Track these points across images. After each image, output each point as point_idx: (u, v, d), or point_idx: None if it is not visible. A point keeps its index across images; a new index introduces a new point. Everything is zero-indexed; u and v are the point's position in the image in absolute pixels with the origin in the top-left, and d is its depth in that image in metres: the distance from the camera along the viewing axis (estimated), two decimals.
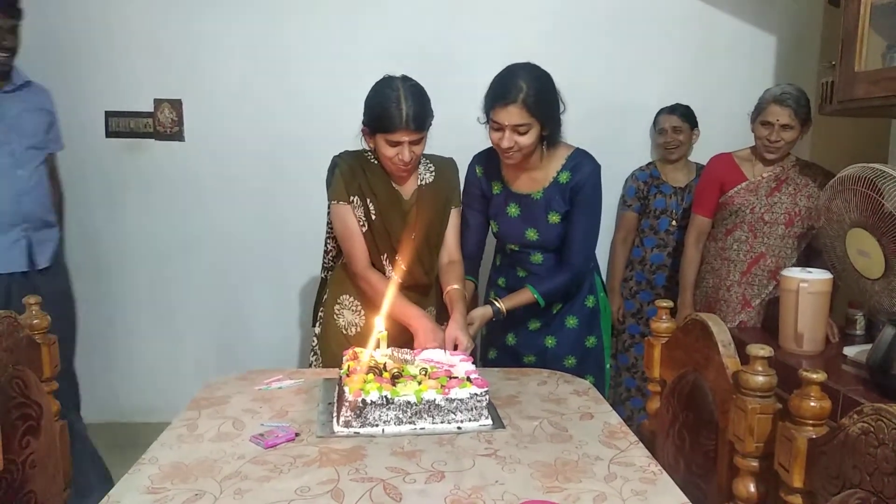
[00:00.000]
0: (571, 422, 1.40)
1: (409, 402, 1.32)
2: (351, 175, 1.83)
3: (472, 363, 1.53)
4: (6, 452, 1.11)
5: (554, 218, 1.91)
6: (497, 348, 2.10)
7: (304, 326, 3.02)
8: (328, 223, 1.98)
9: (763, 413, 1.09)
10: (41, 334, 1.37)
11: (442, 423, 1.33)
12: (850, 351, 1.87)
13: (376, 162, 1.86)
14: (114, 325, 3.00)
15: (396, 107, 1.69)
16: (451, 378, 1.39)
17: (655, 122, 2.86)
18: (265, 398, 1.51)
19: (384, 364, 1.45)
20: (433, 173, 1.91)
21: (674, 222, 2.71)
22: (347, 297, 1.94)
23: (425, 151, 1.85)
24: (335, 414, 1.38)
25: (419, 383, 1.36)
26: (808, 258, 2.24)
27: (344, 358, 1.51)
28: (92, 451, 2.32)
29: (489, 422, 1.35)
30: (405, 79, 1.77)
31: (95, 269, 2.93)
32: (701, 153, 2.76)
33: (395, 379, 1.38)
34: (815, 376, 0.97)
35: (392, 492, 1.09)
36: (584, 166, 1.88)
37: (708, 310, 2.35)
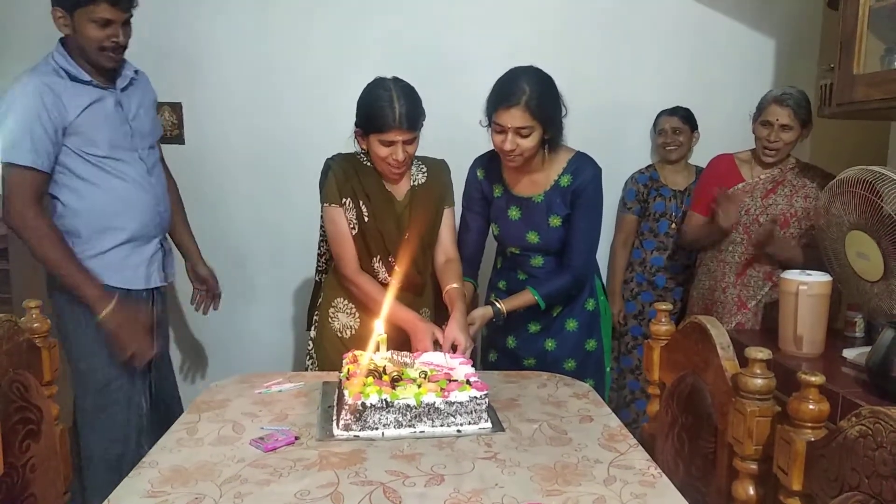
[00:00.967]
0: (571, 425, 1.40)
1: (408, 406, 1.32)
2: (344, 177, 1.85)
3: (472, 366, 1.53)
4: (6, 456, 1.12)
5: (555, 221, 1.91)
6: (497, 350, 2.10)
7: (298, 330, 3.02)
8: (321, 226, 1.99)
9: (762, 416, 1.10)
10: (41, 338, 1.37)
11: (442, 426, 1.33)
12: (849, 353, 1.87)
13: (369, 164, 1.87)
14: None
15: (389, 106, 1.71)
16: (450, 381, 1.39)
17: (655, 124, 2.86)
18: (265, 401, 1.52)
19: (384, 367, 1.45)
20: (426, 174, 1.93)
21: (673, 225, 2.71)
22: (342, 300, 1.95)
23: (417, 153, 1.87)
24: (335, 417, 1.38)
25: (419, 386, 1.36)
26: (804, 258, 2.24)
27: (344, 361, 1.51)
28: None
29: (489, 425, 1.36)
30: (396, 80, 1.79)
31: None
32: (700, 156, 2.76)
33: (394, 382, 1.38)
34: (813, 379, 0.98)
35: (392, 495, 1.09)
36: (585, 170, 1.88)
37: (705, 311, 2.35)
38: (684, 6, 2.93)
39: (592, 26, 2.91)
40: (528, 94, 1.72)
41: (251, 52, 2.84)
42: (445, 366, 1.52)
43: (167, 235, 2.13)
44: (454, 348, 1.70)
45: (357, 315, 1.93)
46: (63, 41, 1.85)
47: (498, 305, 1.90)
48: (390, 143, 1.75)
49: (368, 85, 1.80)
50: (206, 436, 1.33)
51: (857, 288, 1.89)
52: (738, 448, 1.13)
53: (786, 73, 2.91)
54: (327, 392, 1.56)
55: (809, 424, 0.97)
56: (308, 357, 2.03)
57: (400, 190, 1.90)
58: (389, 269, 1.90)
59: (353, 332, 1.93)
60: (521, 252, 2.00)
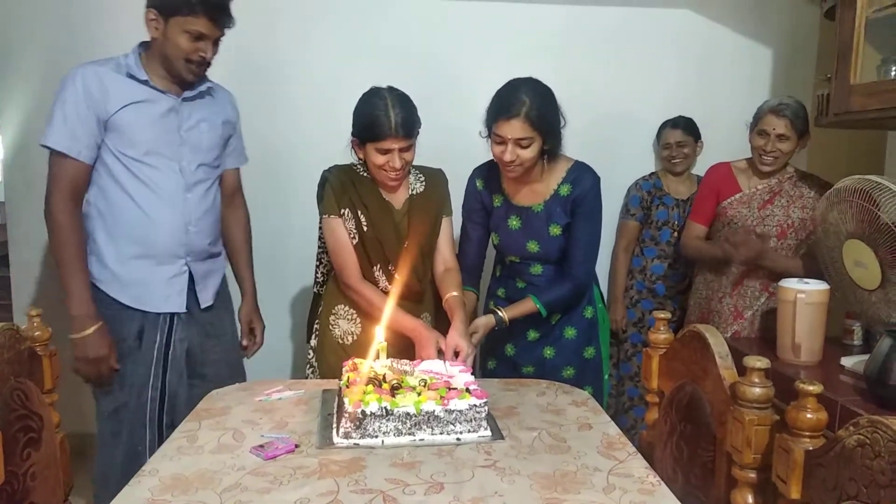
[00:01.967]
0: (570, 433, 1.40)
1: (408, 414, 1.32)
2: (341, 188, 1.86)
3: (472, 374, 1.54)
4: (7, 464, 1.12)
5: (555, 230, 1.92)
6: (496, 358, 2.10)
7: (297, 341, 3.00)
8: (320, 238, 2.00)
9: (760, 424, 1.10)
10: (42, 346, 1.38)
11: (441, 434, 1.34)
12: (847, 361, 1.87)
13: (366, 174, 1.89)
14: None
15: (385, 115, 1.73)
16: (450, 389, 1.39)
17: (659, 136, 2.87)
18: (265, 409, 1.52)
19: (384, 375, 1.45)
20: (423, 183, 1.95)
21: (675, 234, 2.72)
22: (343, 306, 1.95)
23: (415, 162, 1.88)
24: (335, 425, 1.38)
25: (418, 394, 1.37)
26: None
27: (344, 369, 1.52)
28: None
29: (488, 433, 1.36)
30: (391, 88, 1.81)
31: None
32: (700, 165, 2.78)
33: (394, 390, 1.38)
34: (811, 388, 0.98)
35: (392, 503, 1.09)
36: (584, 179, 1.89)
37: (701, 320, 2.36)
38: (683, 17, 2.96)
39: (593, 37, 2.93)
40: (528, 106, 1.74)
41: (249, 60, 2.85)
42: (445, 374, 1.52)
43: (220, 261, 2.03)
44: (456, 355, 1.71)
45: (358, 321, 1.93)
46: (143, 42, 1.82)
47: (500, 314, 1.90)
48: (387, 152, 1.77)
49: (364, 94, 1.82)
50: (206, 443, 1.33)
51: (855, 296, 1.90)
52: (737, 457, 1.14)
53: (783, 83, 2.93)
54: (327, 400, 1.56)
55: (808, 433, 0.98)
56: (308, 366, 2.03)
57: (398, 199, 1.91)
58: (390, 278, 1.90)
59: (355, 338, 1.94)
60: (520, 261, 2.01)
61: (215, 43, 1.81)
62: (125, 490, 1.15)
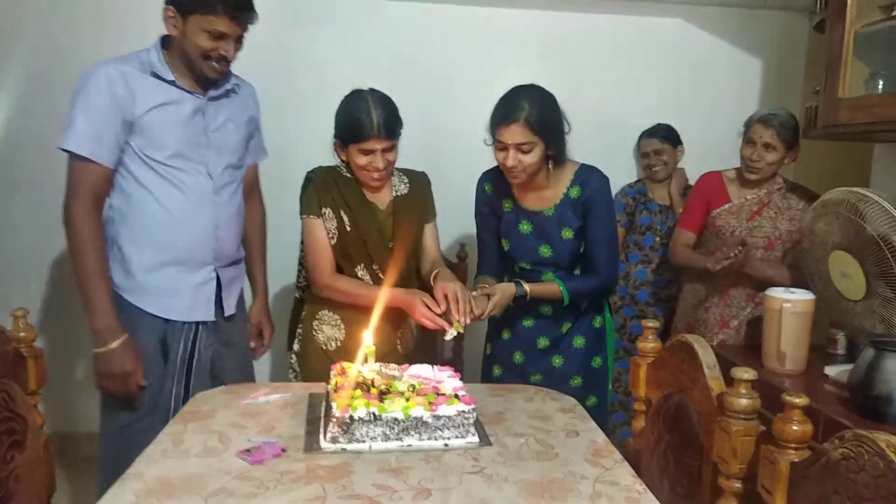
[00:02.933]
0: (557, 439, 1.40)
1: (396, 419, 1.32)
2: (325, 188, 1.88)
3: (460, 379, 1.54)
4: None
5: (567, 234, 1.91)
6: (503, 366, 2.07)
7: (277, 346, 2.98)
8: (302, 242, 2.00)
9: (747, 435, 1.11)
10: (27, 347, 1.36)
11: (429, 439, 1.33)
12: (831, 371, 1.89)
13: (350, 175, 1.90)
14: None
15: (367, 116, 1.76)
16: (438, 395, 1.39)
17: (638, 146, 2.91)
18: (252, 413, 1.51)
19: (372, 380, 1.45)
20: (407, 185, 1.97)
21: (658, 239, 2.75)
22: (327, 312, 1.95)
23: (397, 165, 1.91)
24: (322, 429, 1.38)
25: (407, 400, 1.36)
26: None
27: (332, 373, 1.51)
28: None
29: (476, 439, 1.36)
30: (373, 90, 1.84)
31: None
32: (687, 172, 2.80)
33: (382, 395, 1.38)
34: (797, 401, 0.99)
35: None
36: (593, 180, 1.89)
37: (687, 329, 2.38)
38: (675, 26, 2.98)
39: (585, 44, 2.95)
40: (528, 111, 1.75)
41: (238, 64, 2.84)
42: (433, 379, 1.52)
43: (242, 267, 1.97)
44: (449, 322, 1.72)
45: (342, 327, 1.93)
46: (163, 39, 1.75)
47: (523, 285, 1.87)
48: (369, 152, 1.79)
49: (346, 97, 1.84)
50: (191, 447, 1.32)
51: (840, 306, 1.92)
52: (723, 466, 1.15)
53: (772, 93, 2.97)
54: (314, 404, 1.55)
55: (793, 445, 0.99)
56: (291, 371, 2.01)
57: (382, 200, 1.93)
58: (374, 277, 1.91)
59: (339, 344, 1.93)
60: (531, 268, 1.98)
61: (238, 40, 1.73)
62: (109, 493, 1.13)
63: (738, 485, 1.14)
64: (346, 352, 1.87)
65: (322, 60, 2.85)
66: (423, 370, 1.58)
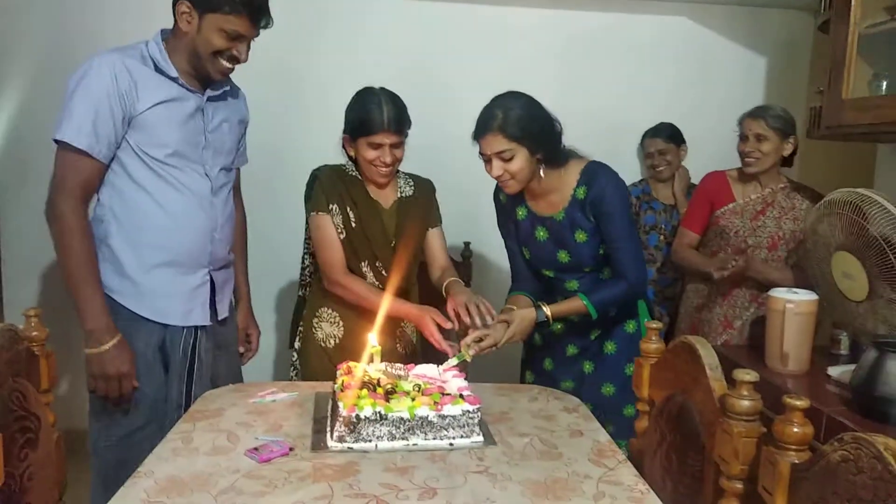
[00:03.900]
0: (562, 439, 1.42)
1: (402, 419, 1.34)
2: (331, 185, 1.91)
3: (465, 378, 1.55)
4: (5, 465, 1.12)
5: (581, 236, 1.86)
6: (534, 372, 2.06)
7: (280, 344, 3.00)
8: (306, 239, 2.02)
9: (748, 436, 1.12)
10: (40, 346, 1.38)
11: (434, 439, 1.35)
12: (834, 371, 1.90)
13: (355, 174, 1.94)
14: None
15: (378, 110, 1.81)
16: (443, 395, 1.41)
17: (642, 145, 2.91)
18: (259, 411, 1.53)
19: (378, 380, 1.47)
20: (413, 187, 2.01)
21: (662, 238, 2.76)
22: (326, 309, 1.98)
23: (406, 170, 1.96)
24: (329, 429, 1.40)
25: (412, 399, 1.38)
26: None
27: (338, 372, 1.53)
28: None
29: (481, 439, 1.37)
30: (384, 88, 1.88)
31: None
32: (693, 171, 2.81)
33: (388, 395, 1.40)
34: (798, 403, 1.00)
35: None
36: (598, 177, 1.82)
37: (691, 328, 2.39)
38: (680, 24, 2.99)
39: (589, 43, 2.95)
40: (501, 119, 1.71)
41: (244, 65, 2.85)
42: (438, 379, 1.54)
43: (232, 270, 1.92)
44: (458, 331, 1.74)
45: (341, 324, 1.96)
46: (165, 32, 1.69)
47: (543, 309, 1.82)
48: (378, 146, 1.83)
49: (357, 93, 1.89)
50: (201, 445, 1.34)
51: (843, 307, 1.93)
52: (725, 467, 1.16)
53: (776, 92, 2.97)
54: (320, 403, 1.57)
55: (794, 447, 1.00)
56: (292, 368, 2.05)
57: (387, 199, 1.96)
58: (377, 274, 1.94)
59: (337, 341, 1.97)
60: (554, 275, 1.95)
61: (248, 44, 1.68)
62: (120, 492, 1.15)
63: (739, 485, 1.15)
64: (343, 349, 1.90)
65: (325, 61, 2.86)
66: (428, 370, 1.60)
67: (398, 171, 1.99)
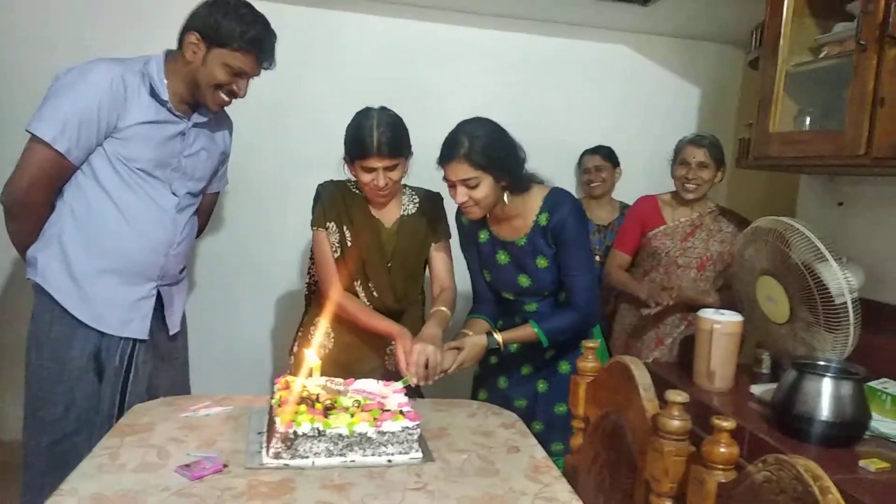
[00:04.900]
0: (499, 455, 1.43)
1: (340, 435, 1.32)
2: (331, 202, 1.93)
3: (405, 395, 1.55)
4: None
5: (542, 262, 1.88)
6: (488, 390, 2.07)
7: (277, 350, 2.99)
8: (312, 251, 2.02)
9: (678, 455, 1.17)
10: None
11: (373, 455, 1.34)
12: (756, 389, 1.99)
13: (357, 191, 1.95)
14: None
15: (369, 134, 1.79)
16: (383, 411, 1.40)
17: (580, 162, 3.01)
18: (192, 426, 1.48)
19: (317, 395, 1.45)
20: (417, 205, 1.99)
21: (597, 258, 2.83)
22: (321, 319, 1.97)
23: (414, 184, 1.97)
24: (265, 444, 1.37)
25: (352, 415, 1.37)
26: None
27: (275, 387, 1.50)
28: None
29: (419, 455, 1.37)
30: (383, 109, 1.87)
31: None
32: (625, 194, 2.91)
33: (327, 410, 1.38)
34: (725, 424, 1.05)
35: None
36: (561, 205, 1.84)
37: (625, 346, 2.47)
38: (620, 52, 3.10)
39: (529, 68, 3.04)
40: (468, 146, 1.72)
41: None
42: (379, 394, 1.53)
43: (184, 285, 1.93)
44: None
45: (331, 335, 1.98)
46: (169, 53, 1.72)
47: (494, 336, 1.84)
48: (371, 170, 1.82)
49: (356, 114, 1.87)
50: (128, 462, 1.29)
51: (766, 328, 2.02)
52: (655, 485, 1.20)
53: (707, 121, 3.12)
54: (258, 417, 1.54)
55: (721, 466, 1.05)
56: (288, 372, 2.02)
57: (389, 218, 1.96)
58: (369, 295, 1.95)
59: (326, 351, 1.97)
60: (515, 298, 1.97)
61: (248, 80, 1.74)
62: None
63: (668, 503, 1.19)
64: (332, 360, 1.91)
65: (328, 81, 2.89)
66: (368, 385, 1.58)
67: (405, 186, 1.99)
